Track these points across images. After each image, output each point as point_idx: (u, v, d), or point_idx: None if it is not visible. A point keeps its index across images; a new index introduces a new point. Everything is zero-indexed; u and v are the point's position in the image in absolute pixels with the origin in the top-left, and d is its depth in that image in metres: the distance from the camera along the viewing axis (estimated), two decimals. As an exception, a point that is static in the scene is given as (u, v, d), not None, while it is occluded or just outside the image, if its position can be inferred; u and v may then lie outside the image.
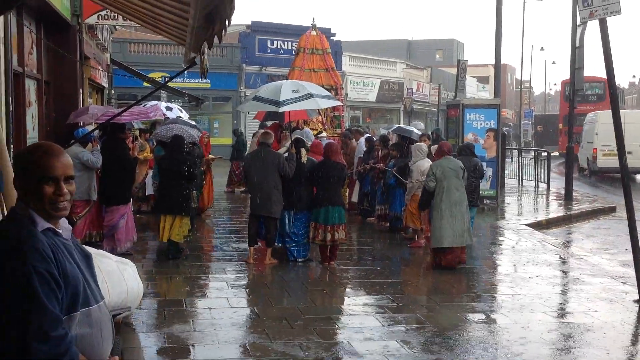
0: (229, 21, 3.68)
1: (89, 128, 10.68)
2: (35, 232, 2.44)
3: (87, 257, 2.69)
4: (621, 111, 28.44)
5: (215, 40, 4.09)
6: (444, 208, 9.27)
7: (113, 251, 8.93)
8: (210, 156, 14.34)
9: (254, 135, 15.50)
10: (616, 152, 25.91)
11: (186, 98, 24.75)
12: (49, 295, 2.33)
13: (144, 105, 13.37)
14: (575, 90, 18.64)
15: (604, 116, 25.17)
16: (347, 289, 8.50)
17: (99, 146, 9.58)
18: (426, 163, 10.77)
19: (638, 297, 7.81)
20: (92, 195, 9.42)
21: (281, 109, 10.80)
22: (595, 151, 24.67)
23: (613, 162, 25.66)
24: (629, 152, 31.05)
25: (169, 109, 16.43)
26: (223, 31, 3.95)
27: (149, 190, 13.13)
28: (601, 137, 24.86)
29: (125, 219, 9.65)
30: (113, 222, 9.53)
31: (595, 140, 24.65)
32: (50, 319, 2.32)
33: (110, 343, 2.63)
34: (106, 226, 9.55)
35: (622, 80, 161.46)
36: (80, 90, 12.97)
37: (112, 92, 23.69)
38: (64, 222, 2.61)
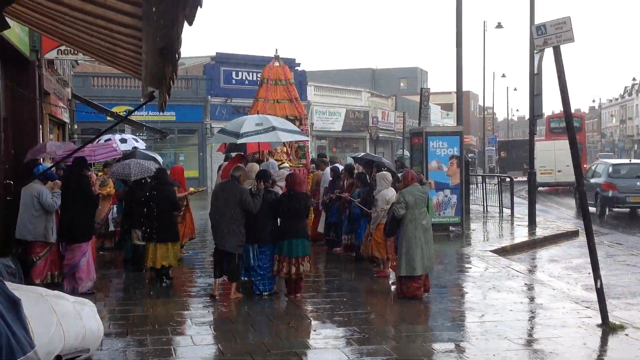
0: (179, 56, 3.68)
1: (48, 164, 10.53)
2: None
3: (14, 303, 2.56)
4: (552, 141, 34.07)
5: (180, 72, 4.07)
6: (418, 236, 9.26)
7: (74, 291, 8.76)
8: (191, 189, 14.19)
9: (219, 168, 15.43)
10: (549, 171, 31.96)
11: (150, 131, 24.57)
12: None
13: (98, 142, 13.24)
14: (535, 117, 18.96)
15: (542, 145, 33.63)
16: (314, 322, 8.42)
17: (59, 190, 9.39)
18: (390, 192, 10.81)
19: (601, 322, 7.87)
20: (49, 237, 9.22)
21: (239, 141, 10.85)
22: (535, 170, 30.25)
23: (547, 178, 33.33)
24: (559, 171, 36.25)
25: (123, 140, 16.27)
26: (174, 70, 3.95)
27: (112, 227, 12.93)
28: (539, 161, 30.75)
29: (87, 258, 9.47)
30: (74, 260, 9.34)
31: (535, 162, 30.27)
32: None
33: None
34: (67, 265, 9.35)
35: (582, 105, 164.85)
36: (40, 126, 12.80)
37: (75, 127, 23.43)
38: None
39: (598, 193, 21.21)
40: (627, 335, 7.50)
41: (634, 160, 26.71)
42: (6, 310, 2.48)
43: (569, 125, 8.37)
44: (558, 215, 22.25)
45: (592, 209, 20.32)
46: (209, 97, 35.05)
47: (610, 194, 20.80)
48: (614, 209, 21.62)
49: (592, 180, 21.86)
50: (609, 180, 21.18)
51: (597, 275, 8.00)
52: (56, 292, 5.79)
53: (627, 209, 21.90)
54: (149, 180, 11.47)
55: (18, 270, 8.28)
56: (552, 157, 32.81)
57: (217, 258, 9.60)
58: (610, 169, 21.92)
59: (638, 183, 20.85)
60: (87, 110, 21.12)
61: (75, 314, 5.26)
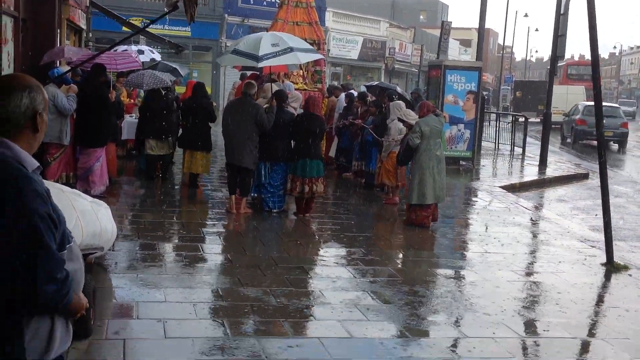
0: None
1: (64, 68, 10.49)
2: (29, 173, 2.37)
3: (47, 193, 2.64)
4: (567, 85, 38.44)
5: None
6: (431, 165, 9.29)
7: (86, 194, 8.86)
8: None
9: (233, 85, 15.38)
10: (560, 112, 31.15)
11: (165, 45, 24.30)
12: (51, 238, 2.32)
13: (115, 50, 13.13)
14: (557, 57, 18.68)
15: (556, 88, 35.28)
16: (321, 241, 8.56)
17: (74, 94, 9.38)
18: (404, 121, 10.77)
19: (605, 260, 7.97)
20: (64, 139, 9.27)
21: (260, 64, 10.61)
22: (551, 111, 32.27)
23: (557, 117, 32.62)
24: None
25: (140, 52, 16.16)
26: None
27: (125, 135, 12.99)
28: (553, 102, 32.45)
29: (100, 163, 9.56)
30: (88, 164, 9.43)
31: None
32: (55, 262, 2.32)
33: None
34: (81, 168, 9.45)
35: (602, 50, 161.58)
36: (58, 30, 12.67)
37: (90, 34, 23.19)
38: None
39: (573, 127, 26.74)
40: (630, 275, 7.60)
41: (605, 103, 29.80)
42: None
43: (595, 69, 8.23)
44: (569, 158, 22.21)
45: (569, 140, 27.48)
46: (226, 15, 34.49)
47: (581, 128, 26.08)
48: (584, 141, 26.50)
49: (572, 117, 27.42)
50: (582, 117, 26.19)
51: (606, 214, 8.03)
52: (75, 190, 5.89)
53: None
54: (163, 92, 11.49)
55: (33, 169, 8.37)
56: (565, 99, 35.08)
57: (231, 174, 9.67)
58: (584, 109, 26.43)
59: (604, 121, 23.72)
60: (104, 16, 20.85)
61: (93, 213, 5.36)
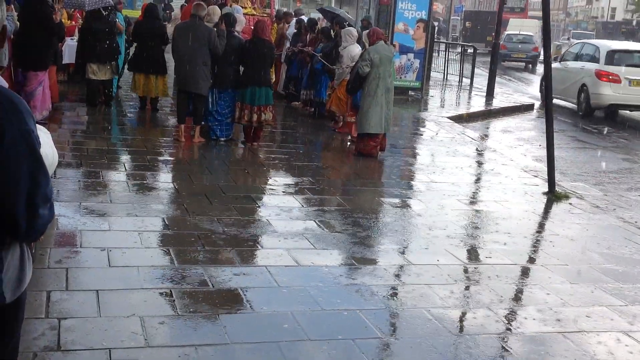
0: None
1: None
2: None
3: None
4: (522, 19, 43.64)
5: None
6: (379, 95, 9.23)
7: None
8: None
9: (181, 7, 14.93)
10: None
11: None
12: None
13: None
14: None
15: (513, 21, 42.13)
16: (269, 170, 8.51)
17: (13, 11, 8.91)
18: (356, 48, 10.64)
19: (547, 190, 8.17)
20: (2, 60, 8.88)
21: None
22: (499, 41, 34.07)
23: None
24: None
25: None
26: None
27: (66, 59, 12.52)
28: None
29: (42, 87, 9.21)
30: (30, 88, 9.07)
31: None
32: (50, 183, 2.18)
33: None
34: (22, 92, 9.10)
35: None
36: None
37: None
38: None
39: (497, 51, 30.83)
40: (570, 204, 7.81)
41: (522, 32, 35.62)
42: None
43: (545, 6, 8.19)
44: (516, 89, 22.46)
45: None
46: None
47: (503, 52, 31.05)
48: (505, 62, 32.58)
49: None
50: (504, 43, 31.69)
51: (550, 145, 8.17)
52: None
53: (523, 64, 33.91)
54: (105, 13, 11.05)
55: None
56: (519, 31, 36.74)
57: (181, 102, 9.44)
58: (506, 36, 33.24)
59: (519, 46, 33.32)
60: None
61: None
